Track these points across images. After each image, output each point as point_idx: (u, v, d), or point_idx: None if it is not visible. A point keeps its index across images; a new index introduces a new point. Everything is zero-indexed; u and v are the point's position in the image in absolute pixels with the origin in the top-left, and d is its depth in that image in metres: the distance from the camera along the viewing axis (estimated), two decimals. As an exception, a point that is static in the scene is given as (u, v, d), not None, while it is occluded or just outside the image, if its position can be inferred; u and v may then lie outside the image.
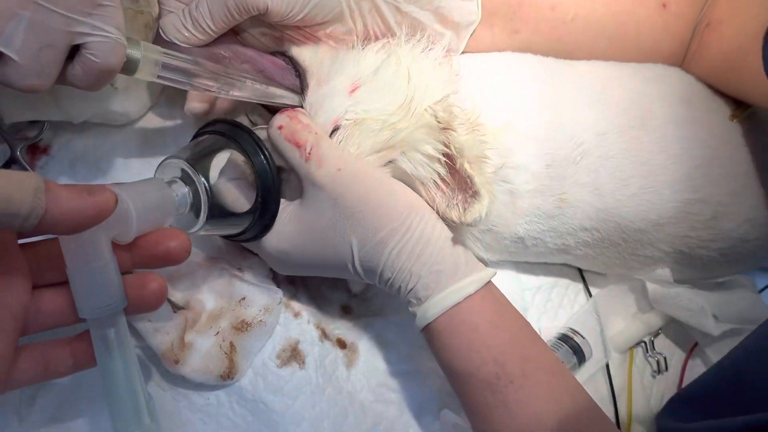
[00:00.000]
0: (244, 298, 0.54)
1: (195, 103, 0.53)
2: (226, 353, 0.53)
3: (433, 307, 0.48)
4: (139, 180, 0.44)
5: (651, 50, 0.61)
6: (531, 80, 0.58)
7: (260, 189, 0.49)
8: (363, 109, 0.51)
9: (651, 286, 0.64)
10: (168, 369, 0.52)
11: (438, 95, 0.51)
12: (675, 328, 0.69)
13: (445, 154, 0.49)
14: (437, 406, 0.59)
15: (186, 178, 0.45)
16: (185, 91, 0.53)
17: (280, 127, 0.49)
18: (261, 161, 0.49)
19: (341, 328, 0.59)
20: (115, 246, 0.41)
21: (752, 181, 0.60)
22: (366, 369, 0.59)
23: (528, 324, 0.50)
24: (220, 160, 0.49)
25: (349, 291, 0.61)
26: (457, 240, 0.50)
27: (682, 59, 0.62)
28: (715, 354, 0.68)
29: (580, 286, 0.68)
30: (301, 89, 0.53)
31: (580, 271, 0.69)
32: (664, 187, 0.57)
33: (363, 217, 0.48)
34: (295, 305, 0.58)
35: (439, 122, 0.49)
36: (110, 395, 0.42)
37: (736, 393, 0.51)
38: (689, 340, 0.69)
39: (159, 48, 0.47)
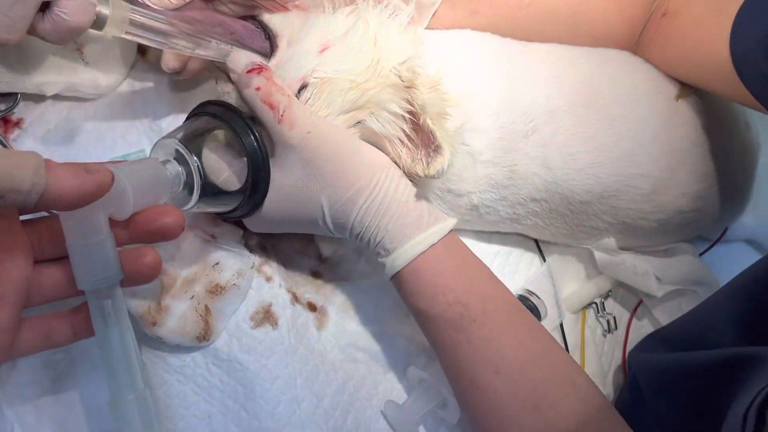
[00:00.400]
0: (217, 263, 0.57)
1: (171, 59, 0.55)
2: (201, 316, 0.55)
3: (401, 256, 0.52)
4: (135, 159, 0.46)
5: (604, 36, 0.64)
6: (489, 57, 0.61)
7: (251, 169, 0.50)
8: (333, 69, 0.53)
9: (598, 254, 0.68)
10: (145, 331, 0.54)
11: (403, 57, 0.54)
12: (623, 291, 0.73)
13: (410, 112, 0.52)
14: (403, 365, 0.63)
15: (180, 158, 0.47)
16: (157, 66, 0.55)
17: (258, 88, 0.51)
18: (251, 142, 0.50)
19: (311, 293, 0.62)
20: (113, 222, 0.43)
21: (689, 158, 0.64)
22: (335, 330, 0.62)
23: (488, 268, 0.55)
24: (212, 140, 0.51)
25: (319, 257, 0.63)
26: (420, 195, 0.54)
27: (633, 44, 0.66)
28: (660, 314, 0.73)
29: (535, 252, 0.72)
30: (271, 52, 0.56)
31: (536, 239, 0.73)
32: (608, 162, 0.61)
33: (332, 178, 0.51)
34: (267, 270, 0.60)
35: (403, 81, 0.52)
36: (107, 362, 0.44)
37: (703, 333, 0.56)
38: (636, 301, 0.73)
39: (127, 4, 0.49)
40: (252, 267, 0.58)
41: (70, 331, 0.45)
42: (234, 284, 0.56)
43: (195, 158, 0.48)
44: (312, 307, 0.62)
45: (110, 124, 0.61)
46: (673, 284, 0.70)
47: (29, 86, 0.56)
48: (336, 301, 0.63)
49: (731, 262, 0.79)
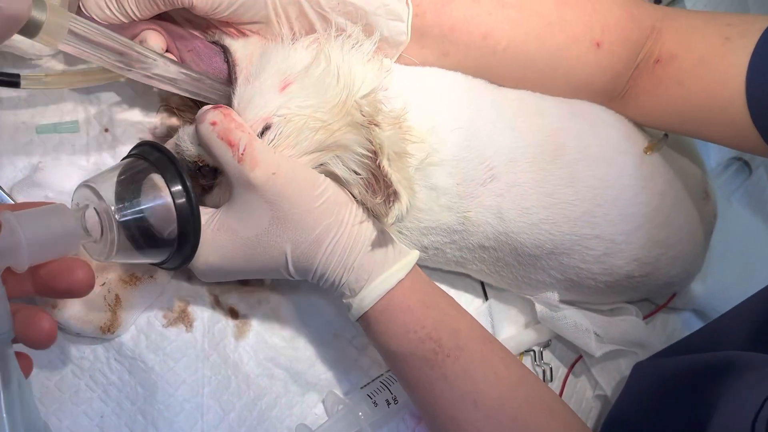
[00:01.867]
0: None
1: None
2: (109, 305, 0.51)
3: (368, 295, 0.50)
4: (42, 206, 0.41)
5: (583, 86, 0.62)
6: (455, 97, 0.58)
7: (178, 222, 0.46)
8: (297, 106, 0.49)
9: (539, 307, 0.66)
10: (45, 314, 0.49)
11: (366, 90, 0.51)
12: (562, 345, 0.71)
13: (372, 152, 0.49)
14: (323, 389, 0.60)
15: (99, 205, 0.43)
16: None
17: (213, 123, 0.47)
18: (180, 192, 0.46)
19: (235, 299, 0.59)
20: (12, 273, 0.38)
21: (646, 224, 0.63)
22: (255, 342, 0.59)
23: (453, 299, 0.54)
24: (147, 186, 0.47)
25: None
26: (383, 230, 0.52)
27: (617, 94, 0.64)
28: (599, 373, 0.71)
29: (478, 291, 0.69)
30: (228, 76, 0.53)
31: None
32: (564, 220, 0.60)
33: (298, 220, 0.48)
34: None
35: (363, 116, 0.49)
36: None
37: (716, 338, 0.59)
38: (575, 357, 0.71)
39: (67, 12, 0.44)
40: None
41: None
42: (151, 276, 0.53)
43: (112, 207, 0.43)
44: (234, 314, 0.58)
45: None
46: (613, 343, 0.69)
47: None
48: (261, 312, 0.60)
49: (674, 330, 0.78)
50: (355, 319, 0.52)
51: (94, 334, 0.51)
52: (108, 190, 0.44)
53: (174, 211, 0.46)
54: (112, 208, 0.43)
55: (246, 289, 0.59)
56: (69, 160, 0.55)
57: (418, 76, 0.58)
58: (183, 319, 0.54)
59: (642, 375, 0.65)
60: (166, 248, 0.47)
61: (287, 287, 0.61)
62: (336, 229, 0.49)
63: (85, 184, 0.44)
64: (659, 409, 0.58)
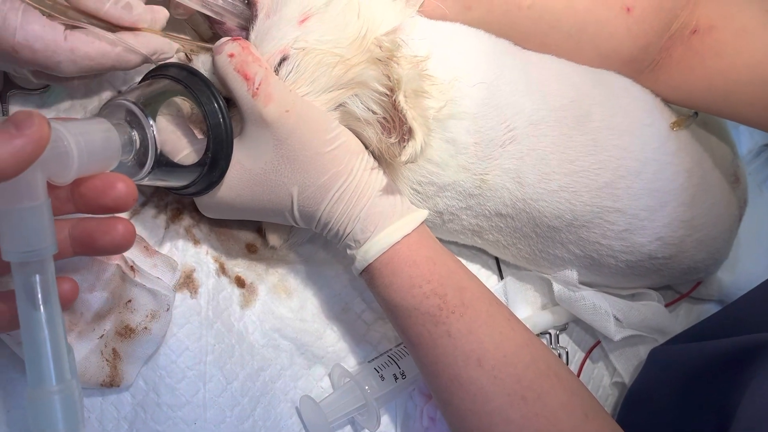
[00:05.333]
0: (130, 301, 0.50)
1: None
2: (108, 360, 0.49)
3: (373, 247, 0.49)
4: (83, 118, 0.41)
5: (611, 53, 0.60)
6: (476, 54, 0.57)
7: (212, 142, 0.46)
8: (315, 40, 0.49)
9: (557, 287, 0.65)
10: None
11: (386, 28, 0.50)
12: (580, 329, 0.69)
13: (389, 89, 0.48)
14: (330, 363, 0.59)
15: (133, 122, 0.42)
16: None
17: (231, 55, 0.47)
18: (215, 112, 0.46)
19: (242, 267, 0.58)
20: (52, 187, 0.37)
21: (671, 201, 0.61)
22: (262, 312, 0.57)
23: (459, 260, 0.52)
24: (169, 106, 0.47)
25: (258, 229, 0.59)
26: (392, 184, 0.51)
27: (647, 66, 0.61)
28: (617, 359, 0.69)
29: (493, 269, 0.68)
30: (251, 21, 0.51)
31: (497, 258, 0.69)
32: (585, 190, 0.58)
33: (307, 161, 0.48)
34: (197, 233, 0.56)
35: (382, 51, 0.48)
36: (30, 346, 0.37)
37: (741, 322, 0.56)
38: (593, 342, 0.69)
39: None
40: (167, 309, 0.51)
41: None
42: (144, 328, 0.50)
43: (152, 123, 0.43)
44: (240, 283, 0.57)
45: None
46: (633, 328, 0.67)
47: None
48: (269, 281, 0.58)
49: (698, 320, 0.76)
50: (358, 273, 0.51)
51: (95, 387, 0.49)
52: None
53: (209, 132, 0.46)
54: (152, 125, 0.42)
55: (254, 257, 0.58)
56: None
57: (440, 29, 0.56)
58: (188, 284, 0.53)
59: (664, 360, 0.63)
60: (192, 171, 0.47)
61: (296, 257, 0.60)
62: (345, 178, 0.48)
63: (123, 100, 0.43)
64: (686, 393, 0.56)
